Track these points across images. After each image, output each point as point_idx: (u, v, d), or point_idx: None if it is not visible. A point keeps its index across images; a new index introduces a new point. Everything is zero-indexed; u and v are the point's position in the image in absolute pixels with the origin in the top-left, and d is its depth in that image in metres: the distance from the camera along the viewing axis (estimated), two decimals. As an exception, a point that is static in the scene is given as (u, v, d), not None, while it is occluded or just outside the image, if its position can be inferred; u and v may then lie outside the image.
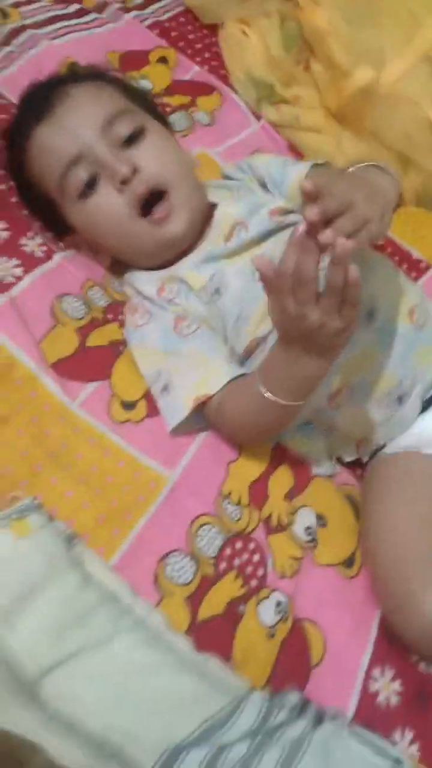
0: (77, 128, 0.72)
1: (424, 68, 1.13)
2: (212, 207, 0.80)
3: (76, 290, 0.78)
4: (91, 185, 0.73)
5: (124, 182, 0.71)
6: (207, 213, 0.79)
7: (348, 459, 0.80)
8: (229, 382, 0.69)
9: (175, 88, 1.07)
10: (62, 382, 0.70)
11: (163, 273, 0.78)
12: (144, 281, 0.78)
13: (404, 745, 0.62)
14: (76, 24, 1.04)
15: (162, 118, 0.83)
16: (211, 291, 0.74)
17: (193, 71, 1.11)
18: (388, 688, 0.65)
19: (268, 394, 0.63)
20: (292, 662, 0.63)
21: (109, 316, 0.79)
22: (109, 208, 0.73)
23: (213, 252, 0.76)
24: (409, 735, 0.63)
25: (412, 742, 0.63)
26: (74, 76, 0.80)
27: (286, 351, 0.60)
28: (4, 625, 0.49)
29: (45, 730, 0.48)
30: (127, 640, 0.53)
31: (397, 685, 0.66)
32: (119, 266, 0.82)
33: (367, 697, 0.64)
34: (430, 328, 0.76)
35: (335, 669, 0.65)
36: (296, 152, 1.12)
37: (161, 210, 0.73)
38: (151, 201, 0.73)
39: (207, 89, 1.09)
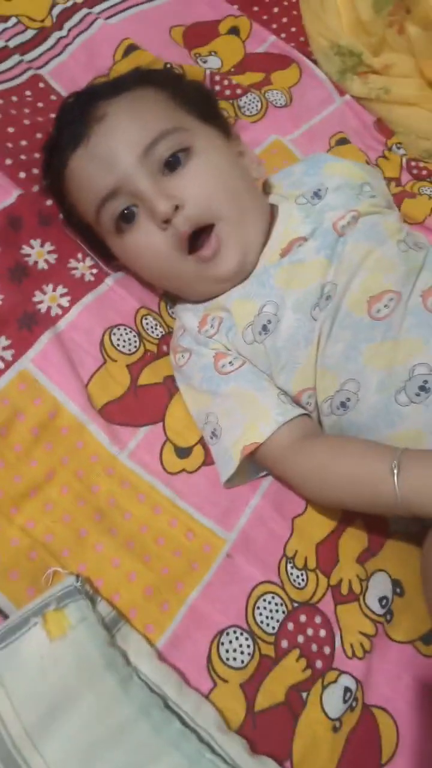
0: (114, 157, 0.63)
1: None
2: (274, 214, 0.70)
3: (129, 320, 0.70)
4: (129, 219, 0.65)
5: (166, 221, 0.63)
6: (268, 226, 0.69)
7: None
8: (281, 426, 0.61)
9: (247, 62, 0.95)
10: (111, 429, 0.64)
11: (209, 302, 0.69)
12: (188, 312, 0.70)
13: None
14: (133, -3, 0.93)
15: (218, 122, 0.72)
16: (258, 328, 0.65)
17: (268, 42, 0.97)
18: (471, 793, 0.57)
19: (396, 477, 0.53)
20: (360, 760, 0.56)
21: (164, 348, 0.71)
22: (149, 247, 0.65)
23: (268, 270, 0.66)
24: None
25: None
26: (113, 86, 0.69)
27: None
28: (29, 748, 0.44)
29: None
30: (168, 763, 0.47)
31: None
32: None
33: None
34: None
35: (410, 767, 0.57)
36: (386, 129, 0.98)
37: (208, 247, 0.65)
38: (198, 232, 0.65)
39: (284, 62, 0.96)
